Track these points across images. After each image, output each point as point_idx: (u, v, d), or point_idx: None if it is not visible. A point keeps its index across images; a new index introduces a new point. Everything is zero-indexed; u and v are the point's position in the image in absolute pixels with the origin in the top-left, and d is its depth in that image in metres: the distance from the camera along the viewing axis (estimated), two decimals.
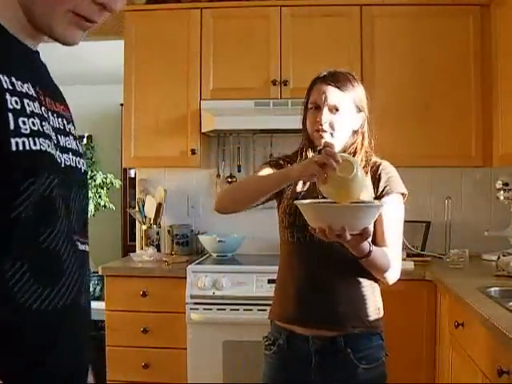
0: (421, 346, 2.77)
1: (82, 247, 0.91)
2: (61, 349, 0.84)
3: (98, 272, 3.11)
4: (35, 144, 0.80)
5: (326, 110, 1.75)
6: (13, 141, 0.77)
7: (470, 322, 2.10)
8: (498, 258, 2.66)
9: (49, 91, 0.91)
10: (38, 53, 0.93)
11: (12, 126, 0.77)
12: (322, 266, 1.71)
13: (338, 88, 1.78)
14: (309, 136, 1.83)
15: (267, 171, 1.82)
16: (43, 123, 0.84)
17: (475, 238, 3.23)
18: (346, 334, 1.68)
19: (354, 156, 1.73)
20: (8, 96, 0.78)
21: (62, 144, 0.89)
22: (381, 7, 3.15)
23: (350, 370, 1.67)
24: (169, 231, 3.48)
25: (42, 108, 0.86)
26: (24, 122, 0.79)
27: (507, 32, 2.84)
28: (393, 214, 1.74)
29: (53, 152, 0.84)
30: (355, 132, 1.82)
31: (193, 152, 3.22)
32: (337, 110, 1.76)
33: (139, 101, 3.26)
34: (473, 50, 3.10)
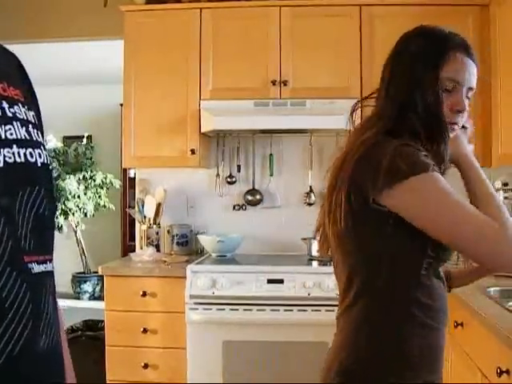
0: None
1: (38, 269, 0.69)
2: None
3: (97, 272, 3.11)
4: None
5: (463, 93, 1.38)
6: None
7: (470, 322, 2.10)
8: None
9: None
10: None
11: None
12: None
13: (476, 66, 1.43)
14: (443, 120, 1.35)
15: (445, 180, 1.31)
16: None
17: None
18: None
19: None
20: None
21: (2, 136, 0.68)
22: (380, 7, 3.15)
23: None
24: (168, 231, 3.48)
25: None
26: None
27: (507, 32, 2.84)
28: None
29: None
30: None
31: (192, 152, 3.22)
32: (471, 89, 1.40)
33: (139, 101, 3.26)
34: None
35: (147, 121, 3.25)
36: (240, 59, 3.18)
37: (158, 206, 3.46)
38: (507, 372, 1.62)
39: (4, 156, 0.66)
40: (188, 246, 3.46)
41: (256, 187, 3.52)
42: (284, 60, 3.17)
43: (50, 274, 0.72)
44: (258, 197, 3.51)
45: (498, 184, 3.04)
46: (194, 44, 3.22)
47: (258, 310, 2.70)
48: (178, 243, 3.44)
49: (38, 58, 5.33)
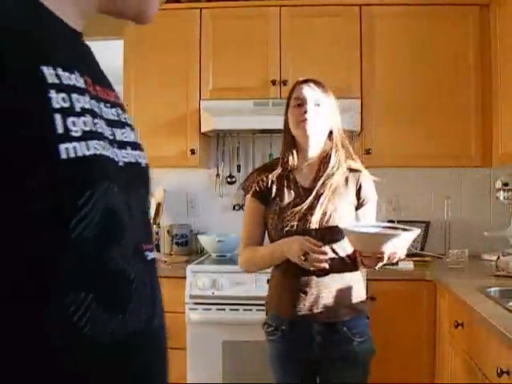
0: (421, 345, 2.77)
1: (150, 256, 0.77)
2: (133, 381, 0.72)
3: None
4: (88, 148, 0.65)
5: (310, 103, 1.95)
6: (62, 147, 0.62)
7: (470, 322, 2.10)
8: (498, 258, 2.67)
9: (98, 77, 0.77)
10: (81, 34, 0.77)
11: (60, 130, 0.63)
12: (317, 271, 1.89)
13: (318, 88, 1.99)
14: (292, 136, 2.00)
15: (256, 206, 2.03)
16: (95, 120, 0.69)
17: (475, 238, 3.23)
18: (342, 320, 1.92)
19: (328, 159, 1.98)
20: (53, 93, 0.63)
21: (118, 138, 0.75)
22: (380, 7, 3.15)
23: (346, 345, 1.92)
24: (168, 231, 3.48)
25: (92, 100, 0.71)
26: (74, 123, 0.65)
27: (507, 32, 2.84)
28: (370, 217, 2.02)
29: (108, 153, 0.70)
30: (330, 135, 2.00)
31: (192, 152, 3.22)
32: (318, 105, 1.96)
33: (139, 101, 3.26)
34: (472, 50, 3.10)
35: (147, 121, 3.24)
36: (240, 59, 3.18)
37: (158, 206, 3.46)
38: (507, 372, 1.62)
39: (123, 156, 0.74)
40: (188, 246, 3.46)
41: None
42: (284, 60, 3.17)
43: (156, 260, 0.81)
44: None
45: (498, 184, 3.04)
46: (194, 44, 3.22)
47: (257, 309, 2.70)
48: (177, 243, 3.44)
49: None
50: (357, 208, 1.99)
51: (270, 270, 2.09)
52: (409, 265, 2.89)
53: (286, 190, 1.98)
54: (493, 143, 3.02)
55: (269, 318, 2.03)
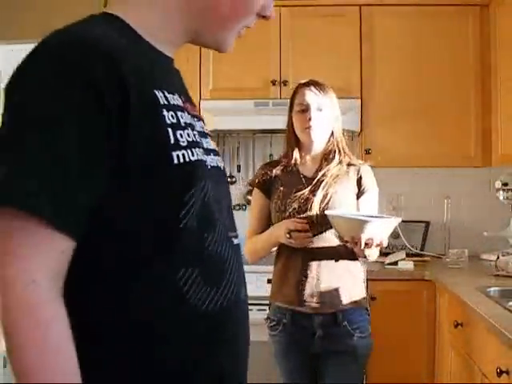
0: (420, 345, 2.77)
1: (235, 242, 0.94)
2: (225, 347, 0.87)
3: None
4: (193, 155, 0.83)
5: (313, 109, 2.03)
6: (174, 154, 0.80)
7: (470, 322, 2.10)
8: (498, 257, 2.67)
9: (187, 96, 0.94)
10: (172, 59, 0.97)
11: (172, 140, 0.80)
12: (317, 256, 1.98)
13: (320, 91, 2.06)
14: (295, 137, 2.09)
15: (260, 198, 2.12)
16: (194, 132, 0.87)
17: (474, 238, 3.23)
18: (342, 310, 1.97)
19: (332, 157, 2.06)
20: (165, 112, 0.81)
21: (205, 146, 0.91)
22: (380, 7, 3.15)
23: (346, 339, 1.97)
24: None
25: (189, 116, 0.88)
26: (181, 135, 0.82)
27: (507, 32, 2.84)
28: (370, 208, 2.07)
29: (204, 158, 0.87)
30: (332, 135, 2.08)
31: None
32: (320, 110, 2.04)
33: None
34: (472, 49, 3.10)
35: None
36: (240, 59, 3.17)
37: None
38: (507, 372, 1.62)
39: (210, 161, 0.90)
40: None
41: None
42: (284, 60, 3.17)
43: (240, 246, 0.97)
44: None
45: (498, 184, 3.04)
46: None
47: (258, 309, 2.70)
48: None
49: None
50: (358, 197, 2.05)
51: (272, 269, 2.13)
52: (409, 265, 2.89)
53: (289, 179, 2.07)
54: (493, 143, 3.02)
55: (271, 312, 2.09)
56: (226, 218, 0.92)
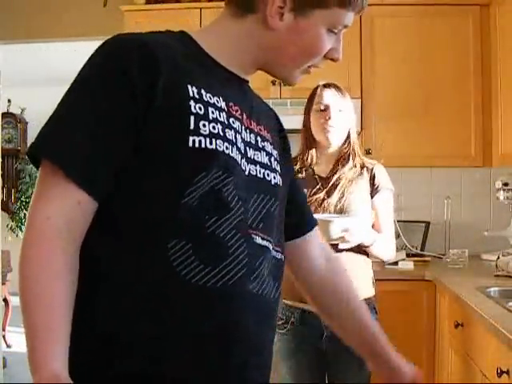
0: (420, 346, 2.77)
1: (259, 241, 0.96)
2: (216, 325, 0.89)
3: None
4: (211, 143, 0.90)
5: (333, 110, 2.05)
6: (190, 138, 0.89)
7: (470, 322, 2.10)
8: (498, 258, 2.66)
9: (250, 113, 1.03)
10: (246, 81, 1.07)
11: (192, 127, 0.89)
12: None
13: (339, 93, 2.09)
14: (312, 137, 2.11)
15: None
16: (226, 130, 0.94)
17: (475, 238, 3.23)
18: None
19: (347, 160, 2.09)
20: (192, 102, 0.90)
21: (249, 155, 0.99)
22: (380, 7, 3.14)
23: None
24: None
25: (231, 119, 0.96)
26: (204, 125, 0.91)
27: (507, 32, 2.84)
28: (385, 206, 2.12)
29: (233, 155, 0.94)
30: (348, 137, 2.11)
31: None
32: (340, 110, 2.07)
33: None
34: (473, 49, 3.10)
35: None
36: None
37: None
38: (507, 372, 1.62)
39: (250, 169, 0.98)
40: None
41: None
42: None
43: (269, 250, 0.99)
44: None
45: (498, 184, 3.04)
46: None
47: None
48: None
49: (37, 57, 5.33)
50: (372, 195, 2.08)
51: None
52: (409, 265, 2.89)
53: (304, 179, 2.08)
54: (493, 143, 3.02)
55: (280, 311, 2.10)
56: (253, 219, 0.96)
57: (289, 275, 2.03)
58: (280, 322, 2.08)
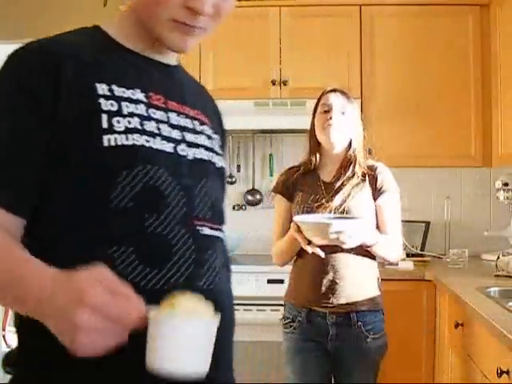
0: (420, 345, 2.77)
1: (207, 232, 0.93)
2: None
3: None
4: (127, 139, 0.87)
5: (336, 110, 2.07)
6: (105, 138, 0.86)
7: (470, 322, 2.10)
8: (498, 257, 2.66)
9: (182, 98, 1.01)
10: (170, 66, 1.03)
11: (105, 125, 0.86)
12: (334, 256, 2.01)
13: (344, 97, 2.12)
14: (316, 141, 2.12)
15: (282, 202, 2.19)
16: (145, 122, 0.91)
17: (475, 238, 3.23)
18: (356, 310, 2.02)
19: (349, 169, 2.08)
20: (102, 100, 0.88)
21: (188, 139, 0.96)
22: (380, 7, 3.15)
23: (360, 340, 2.02)
24: None
25: (151, 110, 0.93)
26: (119, 121, 0.88)
27: (507, 32, 2.84)
28: (390, 208, 2.11)
29: (157, 146, 0.90)
30: (350, 142, 2.11)
31: None
32: (343, 113, 2.09)
33: None
34: (473, 49, 3.10)
35: None
36: (240, 59, 3.18)
37: None
38: (507, 372, 1.62)
39: (194, 153, 0.96)
40: None
41: (256, 187, 3.52)
42: (284, 60, 3.17)
43: (220, 239, 0.97)
44: (257, 197, 3.51)
45: (498, 184, 3.05)
46: None
47: (257, 310, 2.70)
48: None
49: None
50: (375, 198, 2.08)
51: (282, 269, 2.23)
52: (409, 265, 2.89)
53: (308, 184, 2.13)
54: (493, 143, 3.02)
55: (286, 311, 2.14)
56: (199, 208, 0.93)
57: (296, 281, 2.05)
58: (286, 321, 2.11)
